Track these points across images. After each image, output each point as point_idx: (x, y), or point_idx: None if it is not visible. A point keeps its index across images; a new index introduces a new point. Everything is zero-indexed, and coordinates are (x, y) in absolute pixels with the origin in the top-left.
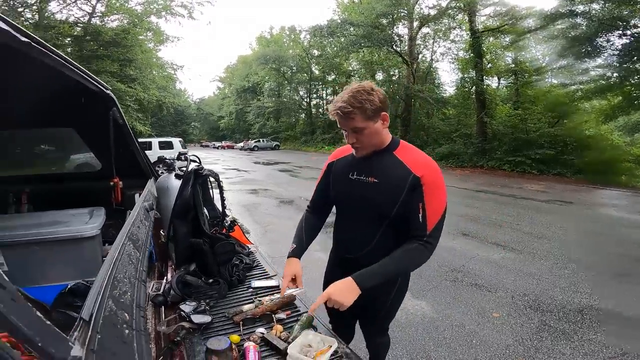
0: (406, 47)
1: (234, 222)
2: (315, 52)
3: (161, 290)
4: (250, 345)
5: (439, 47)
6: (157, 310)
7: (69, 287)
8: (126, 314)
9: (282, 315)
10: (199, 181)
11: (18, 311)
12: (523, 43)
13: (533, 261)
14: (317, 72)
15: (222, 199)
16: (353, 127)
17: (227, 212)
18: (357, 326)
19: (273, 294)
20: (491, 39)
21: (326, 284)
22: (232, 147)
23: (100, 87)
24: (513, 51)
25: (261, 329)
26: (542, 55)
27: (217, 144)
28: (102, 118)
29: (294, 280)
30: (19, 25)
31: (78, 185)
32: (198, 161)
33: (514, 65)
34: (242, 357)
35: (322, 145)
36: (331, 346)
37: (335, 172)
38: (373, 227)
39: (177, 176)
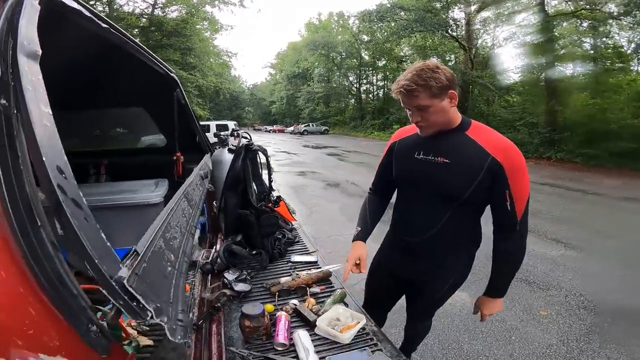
0: (463, 32)
1: (279, 198)
2: (365, 38)
3: (210, 259)
4: (282, 315)
5: (501, 31)
6: (204, 278)
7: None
8: (172, 255)
9: (316, 290)
10: (249, 155)
11: (87, 229)
12: (604, 29)
13: (597, 261)
14: (367, 57)
15: (270, 175)
16: (417, 105)
17: (273, 187)
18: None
19: (310, 269)
20: (565, 23)
21: (377, 265)
22: (282, 131)
23: (166, 70)
24: (592, 37)
25: (295, 301)
26: (628, 42)
27: (269, 127)
28: (167, 99)
29: (358, 265)
30: (100, 14)
31: (146, 159)
32: (249, 137)
33: (592, 52)
34: (273, 325)
35: (371, 130)
36: (359, 322)
37: (399, 152)
38: (440, 209)
39: (230, 150)
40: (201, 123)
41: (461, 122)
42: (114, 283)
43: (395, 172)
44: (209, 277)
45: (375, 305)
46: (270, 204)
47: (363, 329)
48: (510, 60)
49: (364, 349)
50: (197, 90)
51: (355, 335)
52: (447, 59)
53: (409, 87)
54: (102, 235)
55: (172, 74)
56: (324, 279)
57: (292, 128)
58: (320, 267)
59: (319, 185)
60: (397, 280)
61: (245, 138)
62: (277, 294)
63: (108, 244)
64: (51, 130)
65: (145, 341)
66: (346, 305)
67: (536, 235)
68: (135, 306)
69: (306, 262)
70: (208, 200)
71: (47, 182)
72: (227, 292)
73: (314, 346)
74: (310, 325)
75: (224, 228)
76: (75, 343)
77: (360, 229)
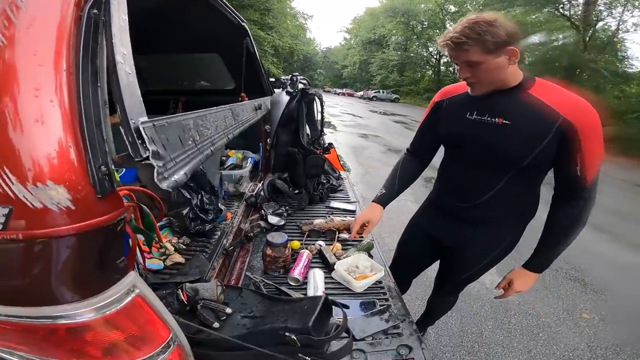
0: (579, 11)
1: (330, 145)
2: (452, 8)
3: (254, 192)
4: (304, 252)
5: (631, 16)
6: (247, 210)
7: None
8: (197, 136)
9: (345, 236)
10: (305, 99)
11: (128, 83)
12: None
13: None
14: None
15: (322, 121)
16: (466, 60)
17: (324, 131)
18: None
19: (346, 216)
20: None
21: (416, 227)
22: (351, 95)
23: (238, 19)
24: None
25: (322, 243)
26: None
27: (338, 90)
28: (239, 46)
29: (365, 227)
30: None
31: (218, 98)
32: (307, 83)
33: None
34: (294, 260)
35: None
36: (376, 273)
37: (448, 112)
38: (496, 174)
39: (288, 93)
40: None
41: (523, 80)
42: (132, 122)
43: (443, 134)
44: (252, 210)
45: (403, 268)
46: (320, 151)
47: (379, 282)
48: (636, 47)
49: (374, 302)
50: (272, 49)
51: (369, 287)
52: (552, 37)
53: (457, 40)
54: (139, 92)
55: (243, 23)
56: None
57: (361, 93)
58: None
59: (379, 149)
60: (435, 245)
61: (303, 83)
62: (306, 233)
63: (140, 99)
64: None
65: (177, 258)
66: (370, 256)
67: (612, 237)
68: (140, 144)
69: (344, 210)
70: (263, 140)
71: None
72: (262, 223)
73: (325, 288)
74: (329, 269)
75: (273, 164)
76: (82, 177)
77: (384, 191)
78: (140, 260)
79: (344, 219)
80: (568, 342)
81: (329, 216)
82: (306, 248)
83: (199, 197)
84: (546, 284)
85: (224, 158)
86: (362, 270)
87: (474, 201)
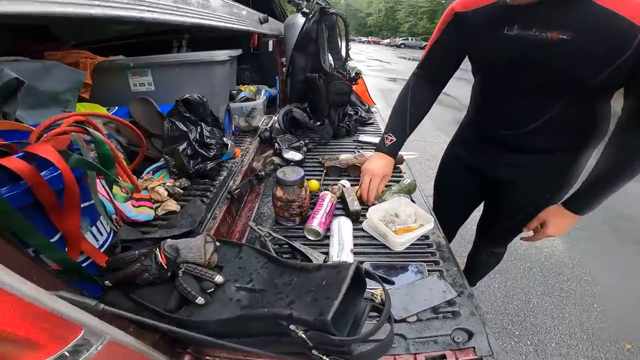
0: None
1: (359, 74)
2: None
3: (269, 125)
4: (327, 195)
5: None
6: (261, 147)
7: (185, 96)
8: None
9: None
10: (325, 21)
11: None
12: None
13: None
14: None
15: (347, 43)
16: None
17: (350, 55)
18: None
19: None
20: None
21: (455, 161)
22: (377, 43)
23: None
24: None
25: (346, 182)
26: None
27: (363, 38)
28: None
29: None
30: None
31: (225, 33)
32: (326, 3)
33: None
34: (312, 206)
35: None
36: (423, 225)
37: (473, 26)
38: (550, 98)
39: (304, 14)
40: None
41: None
42: None
43: (473, 56)
44: (266, 147)
45: (445, 213)
46: (345, 78)
47: (426, 237)
48: None
49: (419, 266)
50: None
51: (413, 244)
52: None
53: None
54: None
55: None
56: (394, 166)
57: (388, 40)
58: None
59: None
60: (479, 179)
61: (320, 4)
62: (325, 171)
63: None
64: None
65: (171, 206)
66: (413, 202)
67: None
68: None
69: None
70: (280, 72)
71: None
72: (276, 159)
73: (354, 245)
74: (350, 216)
75: (289, 94)
76: None
77: (393, 138)
78: (112, 208)
79: None
80: (625, 317)
81: (358, 151)
82: (328, 190)
83: (198, 130)
84: (605, 245)
85: (234, 92)
86: (403, 220)
87: (522, 128)
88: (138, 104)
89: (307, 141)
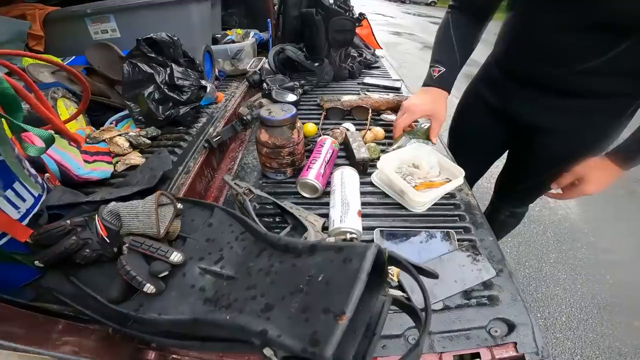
0: None
1: (362, 15)
2: None
3: (259, 67)
4: (327, 139)
5: None
6: (250, 92)
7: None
8: None
9: (390, 117)
10: None
11: None
12: None
13: None
14: None
15: None
16: None
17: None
18: None
19: (388, 94)
20: None
21: (478, 100)
22: None
23: None
24: None
25: (349, 125)
26: None
27: None
28: None
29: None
30: None
31: None
32: None
33: None
34: (309, 152)
35: None
36: (450, 181)
37: None
38: (610, 38)
39: None
40: None
41: None
42: None
43: None
44: (256, 92)
45: (462, 164)
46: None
47: (451, 195)
48: None
49: (445, 233)
50: None
51: (436, 204)
52: None
53: None
54: None
55: None
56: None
57: None
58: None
59: (414, 45)
60: (506, 126)
61: None
62: (328, 111)
63: None
64: None
65: (133, 159)
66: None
67: None
68: None
69: (385, 87)
70: (271, 16)
71: None
72: (264, 101)
73: (362, 206)
74: (355, 164)
75: (282, 33)
76: None
77: (442, 68)
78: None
79: (386, 96)
80: (637, 291)
81: (365, 93)
82: (328, 134)
83: (168, 72)
84: (620, 210)
85: (218, 36)
86: (424, 172)
87: (575, 66)
88: (95, 50)
89: (302, 82)
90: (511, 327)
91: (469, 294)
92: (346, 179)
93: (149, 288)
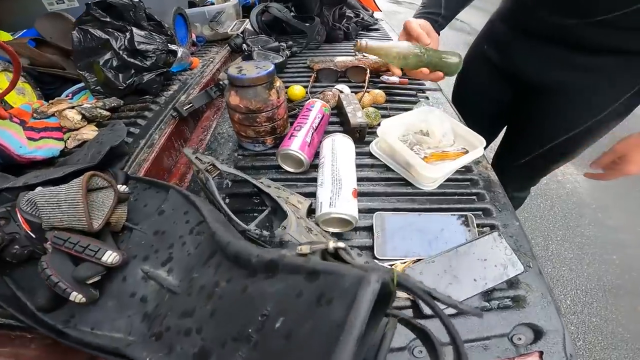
0: None
1: None
2: None
3: (241, 29)
4: (316, 102)
5: None
6: (231, 57)
7: None
8: None
9: (392, 78)
10: None
11: None
12: None
13: None
14: None
15: None
16: None
17: None
18: None
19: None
20: None
21: (479, 59)
22: None
23: None
24: None
25: (344, 87)
26: None
27: None
28: None
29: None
30: None
31: None
32: None
33: None
34: (293, 119)
35: None
36: (467, 151)
37: None
38: None
39: None
40: None
41: None
42: None
43: None
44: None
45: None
46: None
47: (468, 169)
48: None
49: (462, 217)
50: None
51: (449, 179)
52: None
53: None
54: None
55: None
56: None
57: None
58: None
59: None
60: (513, 88)
61: None
62: (318, 72)
63: None
64: None
65: (87, 134)
66: None
67: None
68: None
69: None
70: None
71: None
72: (244, 64)
73: (359, 181)
74: (354, 136)
75: None
76: None
77: (426, 8)
78: None
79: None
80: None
81: (359, 53)
82: (318, 97)
83: (127, 36)
84: (629, 187)
85: (196, 0)
86: (436, 141)
87: (597, 16)
88: (47, 20)
89: (290, 43)
90: (538, 333)
91: (490, 294)
92: (338, 150)
93: (77, 297)
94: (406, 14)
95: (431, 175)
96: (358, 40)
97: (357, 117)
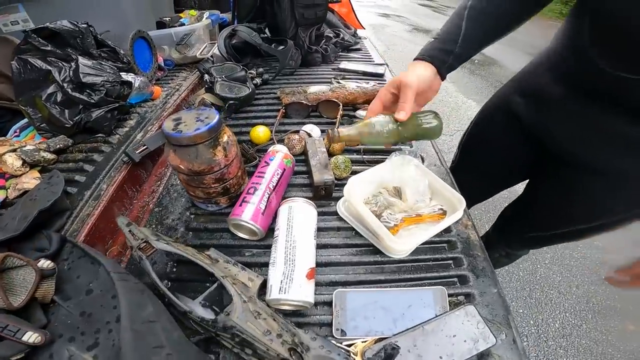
0: None
1: None
2: None
3: (209, 54)
4: (278, 155)
5: None
6: (201, 83)
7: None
8: None
9: (363, 114)
10: None
11: None
12: None
13: None
14: None
15: None
16: None
17: None
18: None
19: (368, 82)
20: None
21: (500, 112)
22: None
23: None
24: None
25: (313, 128)
26: None
27: None
28: None
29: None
30: None
31: None
32: None
33: None
34: (256, 165)
35: None
36: (444, 213)
37: None
38: None
39: None
40: None
41: None
42: None
43: None
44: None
45: (466, 182)
46: None
47: (447, 230)
48: None
49: (435, 291)
50: None
51: (425, 242)
52: None
53: None
54: None
55: None
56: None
57: None
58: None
59: (403, 27)
60: (538, 149)
61: None
62: (287, 107)
63: None
64: None
65: (27, 182)
66: (422, 159)
67: None
68: None
69: (365, 73)
70: None
71: None
72: (207, 98)
73: (319, 248)
74: (317, 194)
75: (238, 10)
76: None
77: (433, 39)
78: None
79: (365, 85)
80: (632, 293)
81: (338, 81)
82: (281, 140)
83: (72, 67)
84: None
85: (166, 19)
86: (410, 202)
87: None
88: None
89: (260, 70)
90: None
91: None
92: (295, 221)
93: None
94: (394, 27)
95: (400, 248)
96: (329, 130)
97: (322, 172)
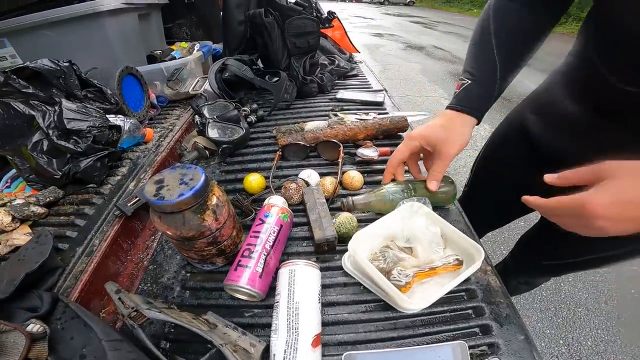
0: None
1: (333, 14)
2: None
3: (201, 89)
4: (273, 207)
5: None
6: (192, 118)
7: (25, 64)
8: None
9: (369, 154)
10: None
11: None
12: None
13: None
14: None
15: None
16: None
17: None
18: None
19: (368, 113)
20: None
21: (515, 133)
22: (359, 1)
23: None
24: None
25: (311, 174)
26: None
27: None
28: None
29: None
30: None
31: None
32: None
33: None
34: (246, 223)
35: (469, 7)
36: (460, 263)
37: None
38: None
39: None
40: None
41: None
42: None
43: None
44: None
45: (479, 210)
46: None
47: (467, 280)
48: None
49: (454, 347)
50: None
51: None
52: None
53: None
54: None
55: None
56: (393, 133)
57: None
58: (387, 113)
59: (397, 46)
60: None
61: None
62: (284, 149)
63: None
64: None
65: (17, 239)
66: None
67: None
68: None
69: (364, 102)
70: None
71: None
72: (199, 141)
73: (325, 309)
74: (320, 250)
75: (225, 41)
76: None
77: (468, 81)
78: None
79: (365, 117)
80: None
81: (336, 114)
82: (279, 193)
83: (56, 111)
84: None
85: (156, 53)
86: (423, 255)
87: None
88: None
89: (255, 106)
90: None
91: None
92: (298, 286)
93: None
94: (388, 46)
95: (413, 308)
96: (343, 200)
97: (323, 227)
